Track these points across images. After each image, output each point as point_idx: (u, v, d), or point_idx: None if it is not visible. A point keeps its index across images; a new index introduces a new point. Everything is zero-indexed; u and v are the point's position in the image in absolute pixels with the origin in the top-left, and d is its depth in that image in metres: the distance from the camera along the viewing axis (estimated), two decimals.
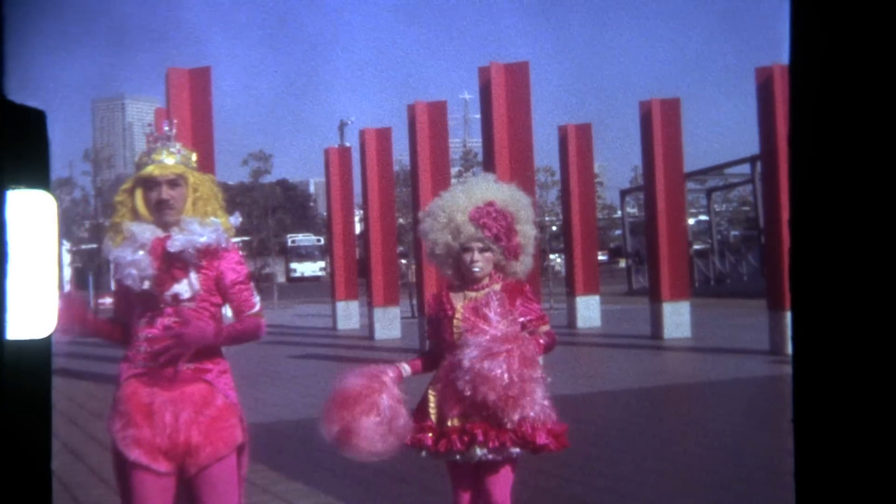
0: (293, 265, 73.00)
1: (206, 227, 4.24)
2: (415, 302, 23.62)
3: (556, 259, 50.97)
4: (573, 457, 5.58)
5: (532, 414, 4.53)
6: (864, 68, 1.49)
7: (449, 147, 21.09)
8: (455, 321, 4.73)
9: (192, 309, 4.20)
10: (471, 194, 4.85)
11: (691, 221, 49.92)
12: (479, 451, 4.59)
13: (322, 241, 68.21)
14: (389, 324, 22.74)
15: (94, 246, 41.19)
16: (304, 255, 74.14)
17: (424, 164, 19.92)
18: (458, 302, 4.79)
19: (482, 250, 4.75)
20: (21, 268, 1.75)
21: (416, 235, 21.35)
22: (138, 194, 4.30)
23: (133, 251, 4.21)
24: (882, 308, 1.50)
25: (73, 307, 4.26)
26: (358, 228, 32.81)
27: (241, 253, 4.45)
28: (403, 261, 35.00)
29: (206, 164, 15.16)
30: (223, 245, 4.29)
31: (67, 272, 46.99)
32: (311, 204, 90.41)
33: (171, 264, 4.22)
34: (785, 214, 17.03)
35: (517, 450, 4.63)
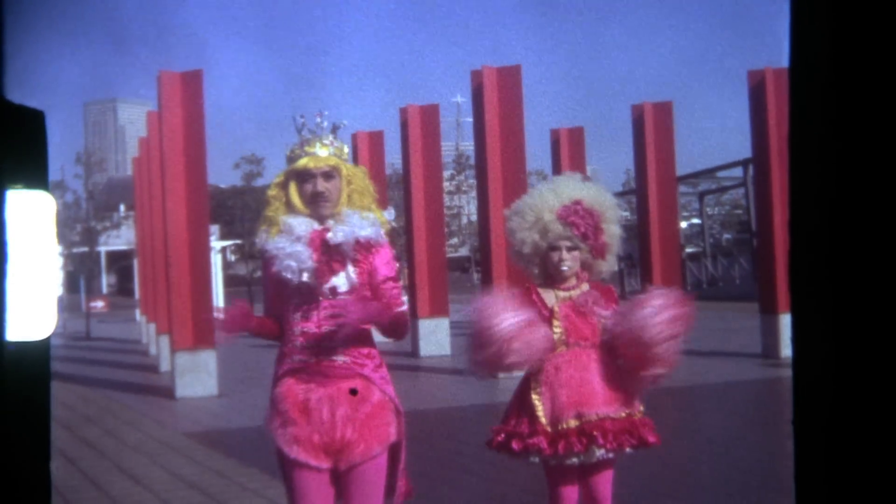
0: None
1: (366, 220, 4.22)
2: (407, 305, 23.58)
3: None
4: None
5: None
6: (864, 70, 1.49)
7: (441, 150, 21.09)
8: (554, 323, 4.69)
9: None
10: (558, 193, 4.81)
11: (683, 225, 50.01)
12: (598, 452, 4.58)
13: None
14: None
15: (86, 249, 41.14)
16: None
17: (417, 168, 19.93)
18: (550, 300, 4.75)
19: (570, 249, 4.72)
20: (20, 268, 1.74)
21: (409, 238, 21.18)
22: (292, 187, 4.26)
23: (290, 243, 4.16)
24: (882, 309, 1.50)
25: (242, 312, 4.25)
26: None
27: (392, 250, 4.40)
28: (396, 263, 34.94)
29: (197, 168, 15.15)
30: (380, 240, 4.27)
31: (59, 276, 46.89)
32: None
33: (330, 257, 4.18)
34: (777, 217, 16.98)
35: (631, 450, 4.65)
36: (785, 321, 15.94)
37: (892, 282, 1.48)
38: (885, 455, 1.50)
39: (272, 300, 4.36)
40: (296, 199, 4.25)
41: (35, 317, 1.79)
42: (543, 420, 4.64)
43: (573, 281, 4.78)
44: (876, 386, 1.51)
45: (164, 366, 17.84)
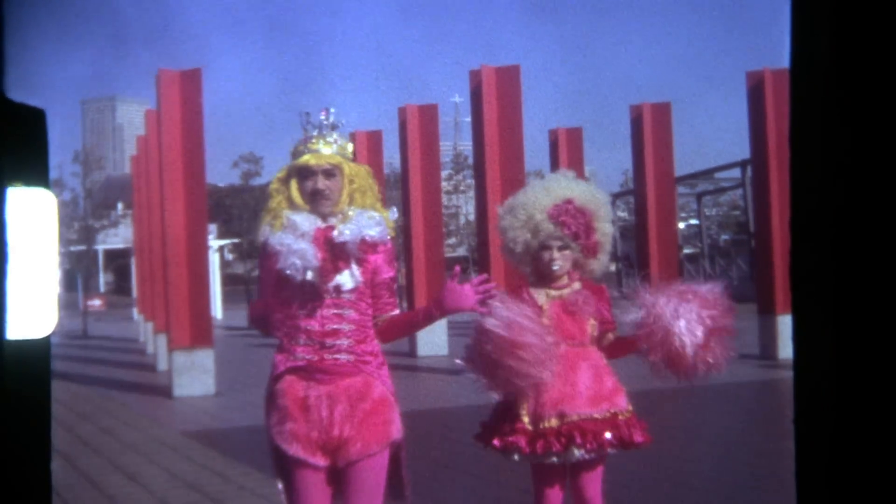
0: None
1: (373, 220, 4.20)
2: (405, 304, 23.62)
3: None
4: None
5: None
6: (865, 69, 1.49)
7: (440, 150, 21.10)
8: (543, 321, 4.66)
9: (350, 301, 4.16)
10: (550, 191, 4.80)
11: (681, 226, 50.03)
12: (577, 452, 4.58)
13: None
14: None
15: (84, 248, 41.14)
16: None
17: (415, 167, 19.93)
18: (541, 299, 4.75)
19: (561, 248, 4.71)
20: (21, 266, 1.74)
21: (407, 237, 21.12)
22: (293, 183, 4.25)
23: (295, 240, 4.14)
24: (883, 309, 1.50)
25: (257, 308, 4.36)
26: None
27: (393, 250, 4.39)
28: (396, 263, 34.97)
29: (196, 167, 15.14)
30: (385, 239, 4.26)
31: (58, 274, 46.92)
32: None
33: (334, 255, 4.16)
34: (775, 218, 16.93)
35: (613, 450, 4.65)
36: (783, 322, 15.93)
37: (893, 281, 1.48)
38: (887, 455, 1.50)
39: (271, 295, 4.31)
40: (296, 195, 4.23)
41: (35, 315, 1.78)
42: (525, 419, 4.65)
43: (564, 280, 4.79)
44: (878, 386, 1.50)
45: (162, 365, 17.83)
